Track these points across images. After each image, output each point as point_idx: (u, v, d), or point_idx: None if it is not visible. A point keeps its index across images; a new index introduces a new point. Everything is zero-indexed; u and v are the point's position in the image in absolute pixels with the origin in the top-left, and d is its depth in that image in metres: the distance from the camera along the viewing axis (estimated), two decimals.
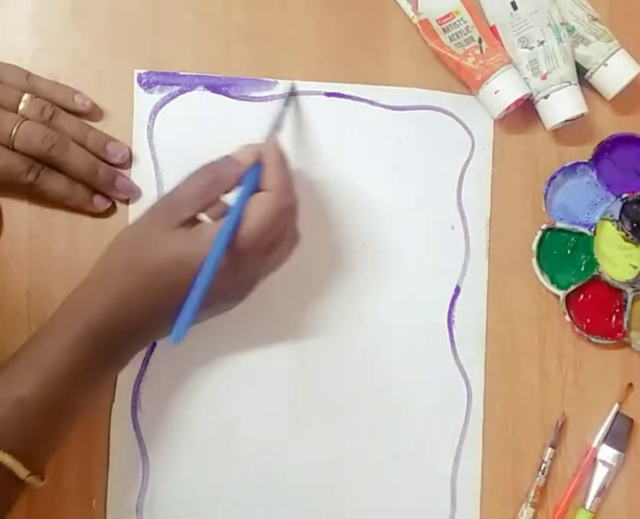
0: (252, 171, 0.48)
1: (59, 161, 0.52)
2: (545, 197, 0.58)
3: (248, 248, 0.47)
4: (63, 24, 0.57)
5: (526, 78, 0.57)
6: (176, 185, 0.48)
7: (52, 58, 0.56)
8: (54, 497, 0.54)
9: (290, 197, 0.48)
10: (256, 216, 0.46)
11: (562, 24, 0.57)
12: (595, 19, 0.58)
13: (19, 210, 0.55)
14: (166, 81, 0.57)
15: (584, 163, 0.58)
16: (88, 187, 0.55)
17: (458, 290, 0.58)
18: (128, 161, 0.56)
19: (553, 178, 0.58)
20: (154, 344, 0.55)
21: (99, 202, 0.55)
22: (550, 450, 0.57)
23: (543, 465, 0.57)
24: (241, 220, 0.46)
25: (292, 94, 0.57)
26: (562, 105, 0.56)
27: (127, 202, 0.56)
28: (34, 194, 0.54)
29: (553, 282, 0.58)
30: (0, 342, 0.55)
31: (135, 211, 0.55)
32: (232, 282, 0.48)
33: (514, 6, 0.57)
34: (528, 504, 0.57)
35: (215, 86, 0.57)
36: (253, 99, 0.57)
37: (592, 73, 0.58)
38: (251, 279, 0.50)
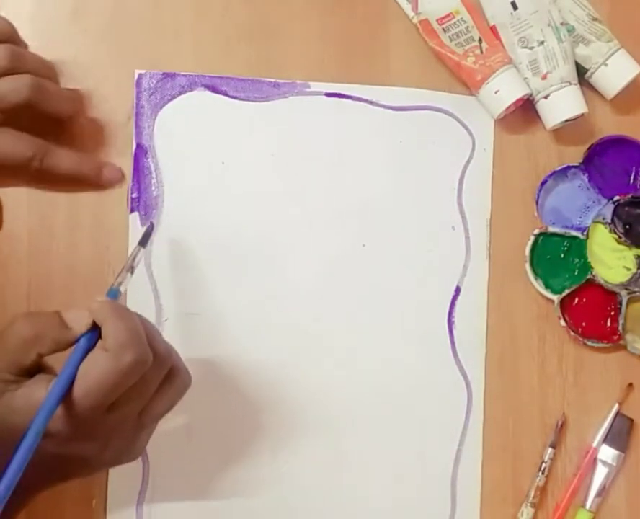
0: (87, 335, 0.44)
1: (41, 106, 0.51)
2: (537, 201, 0.58)
3: (86, 410, 0.42)
4: (63, 24, 0.57)
5: (526, 78, 0.57)
6: (2, 334, 0.43)
7: (52, 57, 0.56)
8: (54, 497, 0.54)
9: (129, 355, 0.42)
10: (89, 376, 0.42)
11: (562, 24, 0.57)
12: (595, 19, 0.58)
13: (19, 210, 0.55)
14: (166, 81, 0.57)
15: (575, 166, 0.58)
16: (95, 160, 0.55)
17: (458, 290, 0.58)
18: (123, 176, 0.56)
19: (544, 182, 0.58)
20: None
21: (110, 174, 0.55)
22: (550, 450, 0.57)
23: (543, 465, 0.57)
24: (76, 380, 0.42)
25: (147, 234, 0.53)
26: (562, 105, 0.56)
27: (128, 208, 0.56)
28: (39, 178, 0.54)
29: (547, 286, 0.58)
30: None
31: (135, 220, 0.56)
32: (96, 448, 0.44)
33: (514, 6, 0.57)
34: (528, 504, 0.57)
35: (215, 86, 0.57)
36: (253, 99, 0.57)
37: (592, 73, 0.58)
38: (128, 438, 0.46)
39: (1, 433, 0.41)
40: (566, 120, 0.57)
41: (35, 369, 0.43)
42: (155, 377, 0.45)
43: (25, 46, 0.55)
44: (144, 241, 0.53)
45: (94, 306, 0.44)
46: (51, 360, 0.44)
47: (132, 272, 0.50)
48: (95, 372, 0.42)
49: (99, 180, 0.55)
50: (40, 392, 0.42)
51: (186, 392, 0.47)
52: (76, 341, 0.43)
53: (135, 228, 0.56)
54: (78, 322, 0.44)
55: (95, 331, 0.44)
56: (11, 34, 0.53)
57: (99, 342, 0.43)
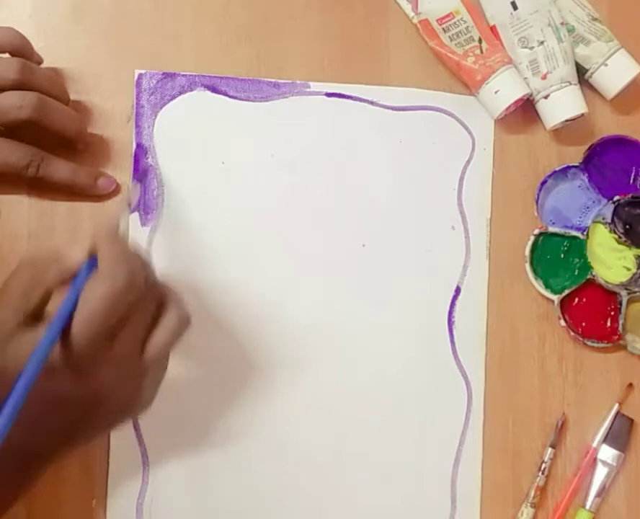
0: (84, 267, 0.43)
1: (44, 125, 0.52)
2: (536, 201, 0.58)
3: (87, 338, 0.42)
4: (63, 24, 0.57)
5: (526, 78, 0.57)
6: (6, 282, 0.44)
7: (52, 57, 0.56)
8: (54, 497, 0.54)
9: (122, 273, 0.42)
10: (87, 304, 0.41)
11: (562, 24, 0.57)
12: (595, 19, 0.58)
13: (19, 210, 0.55)
14: (166, 81, 0.57)
15: (575, 166, 0.58)
16: (91, 171, 0.55)
17: (458, 290, 0.58)
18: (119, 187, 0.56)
19: (544, 182, 0.58)
20: None
21: (104, 185, 0.55)
22: (550, 450, 0.57)
23: (543, 465, 0.57)
24: (75, 311, 0.41)
25: (145, 171, 0.55)
26: (562, 105, 0.56)
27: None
28: (36, 186, 0.54)
29: (547, 286, 0.58)
30: None
31: (135, 220, 0.56)
32: (102, 388, 0.44)
33: (514, 6, 0.57)
34: (528, 504, 0.57)
35: (215, 86, 0.57)
36: (253, 99, 0.57)
37: (592, 73, 0.58)
38: (133, 379, 0.45)
39: (12, 380, 0.41)
40: (566, 120, 0.57)
41: (41, 314, 0.43)
42: (150, 299, 0.45)
43: (39, 60, 0.55)
44: (141, 177, 0.53)
45: (91, 233, 0.44)
46: (57, 302, 0.43)
47: (130, 208, 0.51)
48: (92, 296, 0.42)
49: (94, 191, 0.55)
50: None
51: (185, 328, 0.46)
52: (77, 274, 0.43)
53: (136, 228, 0.56)
54: (76, 252, 0.43)
55: (94, 262, 0.43)
56: (24, 48, 0.53)
57: (95, 268, 0.43)
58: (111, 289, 0.42)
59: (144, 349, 0.45)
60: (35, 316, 0.42)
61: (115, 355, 0.43)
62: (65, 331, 0.41)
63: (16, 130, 0.52)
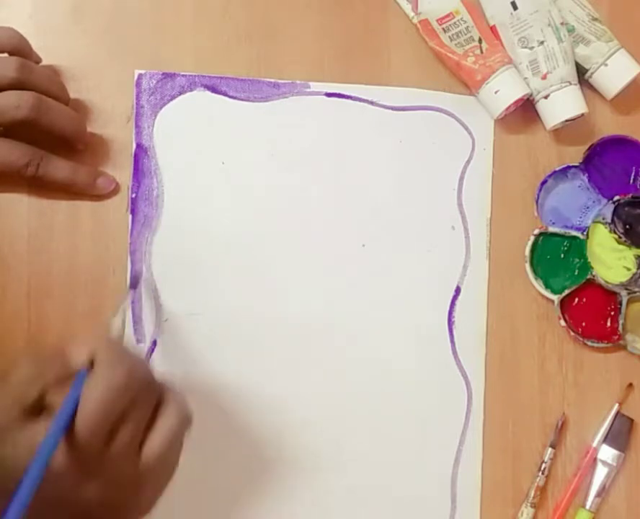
0: (84, 369, 0.43)
1: (42, 124, 0.52)
2: (536, 201, 0.58)
3: (87, 439, 0.41)
4: (63, 24, 0.57)
5: (526, 78, 0.57)
6: (6, 376, 0.43)
7: (52, 57, 0.56)
8: None
9: (119, 370, 0.42)
10: (86, 403, 0.41)
11: (562, 24, 0.57)
12: (595, 19, 0.58)
13: (18, 210, 0.55)
14: (166, 81, 0.57)
15: (575, 166, 0.58)
16: (90, 170, 0.55)
17: (458, 290, 0.58)
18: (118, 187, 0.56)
19: (544, 182, 0.58)
20: (154, 344, 0.55)
21: (104, 184, 0.55)
22: (550, 450, 0.57)
23: (543, 465, 0.57)
24: (78, 411, 0.41)
25: (138, 277, 0.55)
26: (562, 105, 0.56)
27: (128, 208, 0.56)
28: (36, 185, 0.54)
29: (547, 286, 0.58)
30: (0, 342, 0.55)
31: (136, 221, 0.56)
32: (100, 490, 0.43)
33: (514, 6, 0.57)
34: (528, 504, 0.57)
35: (215, 87, 0.57)
36: (253, 99, 0.57)
37: (592, 73, 0.58)
38: (131, 482, 0.44)
39: (13, 475, 0.40)
40: (566, 120, 0.57)
41: (39, 409, 0.43)
42: (147, 398, 0.44)
43: (37, 60, 0.55)
44: (134, 283, 0.54)
45: (86, 337, 0.45)
46: (56, 401, 0.43)
47: (124, 313, 0.52)
48: (91, 395, 0.42)
49: (93, 190, 0.55)
50: (43, 429, 0.41)
51: (185, 428, 0.45)
52: (77, 373, 0.43)
53: (135, 228, 0.56)
54: (78, 355, 0.44)
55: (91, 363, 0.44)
56: (23, 48, 0.53)
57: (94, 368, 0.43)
58: (110, 385, 0.42)
59: (143, 449, 0.43)
60: (32, 412, 0.42)
61: (112, 456, 0.43)
62: (67, 432, 0.41)
63: (16, 130, 0.52)
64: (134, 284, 0.55)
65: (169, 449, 0.44)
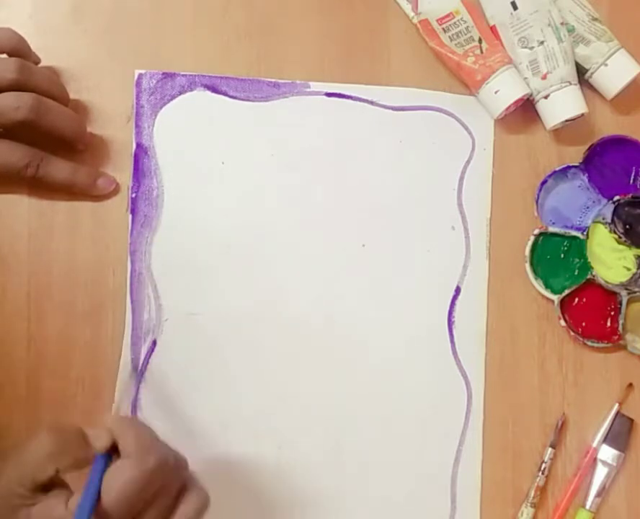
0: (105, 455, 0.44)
1: (42, 125, 0.52)
2: (537, 201, 0.58)
3: None
4: (63, 24, 0.57)
5: (526, 78, 0.57)
6: (25, 446, 0.44)
7: (52, 57, 0.56)
8: None
9: (152, 458, 0.43)
10: (116, 487, 0.42)
11: (562, 24, 0.57)
12: (595, 19, 0.58)
13: (18, 209, 0.55)
14: (166, 81, 0.57)
15: (575, 166, 0.58)
16: (90, 171, 0.55)
17: (458, 290, 0.58)
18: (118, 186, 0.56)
19: (544, 182, 0.58)
20: (154, 344, 0.55)
21: (104, 185, 0.55)
22: (550, 450, 0.57)
23: (543, 465, 0.57)
24: (101, 494, 0.42)
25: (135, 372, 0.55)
26: (562, 105, 0.56)
27: (128, 208, 0.56)
28: (36, 186, 0.54)
29: (547, 286, 0.58)
30: (0, 342, 0.55)
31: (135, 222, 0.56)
32: None
33: (514, 6, 0.57)
34: (528, 504, 0.57)
35: (215, 86, 0.57)
36: (253, 99, 0.57)
37: (592, 73, 0.58)
38: None
39: None
40: (566, 120, 0.57)
41: (49, 485, 0.43)
42: (173, 483, 0.45)
43: (36, 60, 0.55)
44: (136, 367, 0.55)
45: (110, 421, 0.45)
46: (65, 477, 0.44)
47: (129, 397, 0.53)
48: (121, 479, 0.42)
49: (93, 191, 0.55)
50: (59, 508, 0.42)
51: (204, 512, 0.46)
52: (95, 458, 0.44)
53: (135, 228, 0.56)
54: (100, 440, 0.44)
55: (110, 449, 0.44)
56: (22, 48, 0.53)
57: (121, 452, 0.44)
58: (142, 471, 0.42)
59: None
60: (44, 487, 0.43)
61: None
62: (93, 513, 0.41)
63: (16, 131, 0.52)
64: (136, 367, 0.55)
65: None
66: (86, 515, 0.41)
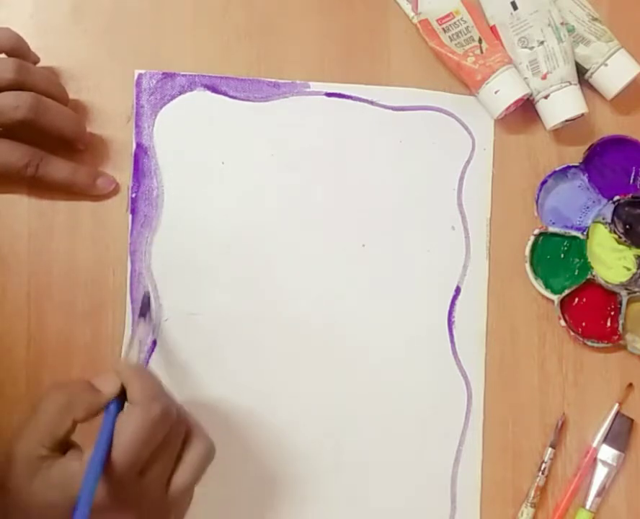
0: (114, 401, 0.45)
1: (41, 125, 0.51)
2: (537, 201, 0.58)
3: (124, 470, 0.42)
4: (63, 24, 0.57)
5: (526, 78, 0.57)
6: (36, 408, 0.44)
7: (52, 57, 0.56)
8: None
9: (157, 406, 0.44)
10: (123, 436, 0.43)
11: (562, 24, 0.57)
12: (595, 19, 0.58)
13: (18, 209, 0.55)
14: (166, 81, 0.57)
15: (575, 166, 0.58)
16: (90, 170, 0.55)
17: (458, 290, 0.58)
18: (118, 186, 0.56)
19: (544, 182, 0.58)
20: (154, 344, 0.55)
21: (103, 184, 0.55)
22: (550, 450, 0.57)
23: (543, 465, 0.57)
24: (112, 443, 0.43)
25: (146, 305, 0.55)
26: (562, 105, 0.56)
27: (128, 208, 0.56)
28: (36, 186, 0.54)
29: (547, 286, 0.58)
30: (0, 342, 0.55)
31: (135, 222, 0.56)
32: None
33: (514, 6, 0.57)
34: (528, 504, 0.57)
35: (215, 86, 0.57)
36: (253, 99, 0.57)
37: (592, 73, 0.58)
38: (153, 513, 0.45)
39: (42, 511, 0.42)
40: (566, 120, 0.57)
41: (67, 444, 0.44)
42: (178, 432, 0.45)
43: (35, 60, 0.54)
44: (143, 311, 0.54)
45: (118, 367, 0.46)
46: (79, 439, 0.45)
47: (139, 344, 0.52)
48: (129, 427, 0.43)
49: (93, 190, 0.55)
50: (74, 465, 0.42)
51: (210, 461, 0.47)
52: (106, 407, 0.44)
53: (135, 228, 0.56)
54: (108, 385, 0.45)
55: (120, 396, 0.45)
56: (20, 48, 0.53)
57: (128, 399, 0.44)
58: (147, 420, 0.43)
59: (170, 485, 0.45)
60: (61, 447, 0.43)
61: (144, 488, 0.44)
62: (104, 466, 0.41)
63: (15, 131, 0.52)
64: (143, 311, 0.55)
65: (196, 481, 0.46)
66: (98, 465, 0.41)
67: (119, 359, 0.52)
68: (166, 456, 0.45)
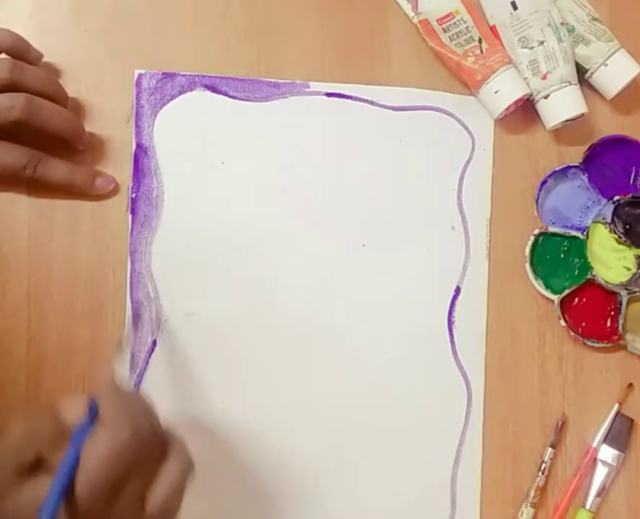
0: (84, 422, 0.42)
1: (35, 125, 0.51)
2: (537, 201, 0.58)
3: (90, 495, 0.40)
4: (63, 24, 0.57)
5: (526, 78, 0.57)
6: (3, 431, 0.42)
7: (52, 57, 0.56)
8: None
9: (125, 429, 0.42)
10: (92, 458, 0.41)
11: (562, 24, 0.57)
12: (595, 19, 0.58)
13: (18, 209, 0.55)
14: (166, 81, 0.57)
15: (575, 166, 0.58)
16: (89, 170, 0.55)
17: (458, 290, 0.58)
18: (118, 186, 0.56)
19: (544, 182, 0.58)
20: (154, 344, 0.55)
21: (102, 184, 0.55)
22: (550, 450, 0.57)
23: (543, 465, 0.57)
24: (80, 465, 0.41)
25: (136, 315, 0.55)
26: (562, 105, 0.56)
27: (128, 208, 0.56)
28: (35, 187, 0.54)
29: (547, 286, 0.58)
30: (0, 342, 0.55)
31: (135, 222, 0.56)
32: None
33: (514, 6, 0.57)
34: (528, 504, 0.57)
35: (215, 86, 0.57)
36: (253, 99, 0.57)
37: (592, 73, 0.58)
38: None
39: None
40: (566, 120, 0.57)
41: (37, 467, 0.42)
42: (153, 449, 0.43)
43: (38, 57, 0.54)
44: (136, 320, 0.54)
45: (95, 384, 0.44)
46: (54, 458, 0.42)
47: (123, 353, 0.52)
48: (95, 451, 0.41)
49: (92, 190, 0.55)
50: (45, 488, 0.40)
51: (187, 478, 0.44)
52: (74, 430, 0.42)
53: (135, 228, 0.56)
54: (73, 410, 0.43)
55: (92, 416, 0.43)
56: (18, 48, 0.53)
57: (99, 419, 0.43)
58: (115, 442, 0.41)
59: (145, 504, 0.43)
60: (30, 470, 0.41)
61: (116, 512, 0.41)
62: (68, 491, 0.40)
63: (14, 132, 0.52)
64: (135, 322, 0.55)
65: (173, 500, 0.44)
66: (58, 495, 0.39)
67: (97, 375, 0.50)
68: (138, 480, 0.42)
